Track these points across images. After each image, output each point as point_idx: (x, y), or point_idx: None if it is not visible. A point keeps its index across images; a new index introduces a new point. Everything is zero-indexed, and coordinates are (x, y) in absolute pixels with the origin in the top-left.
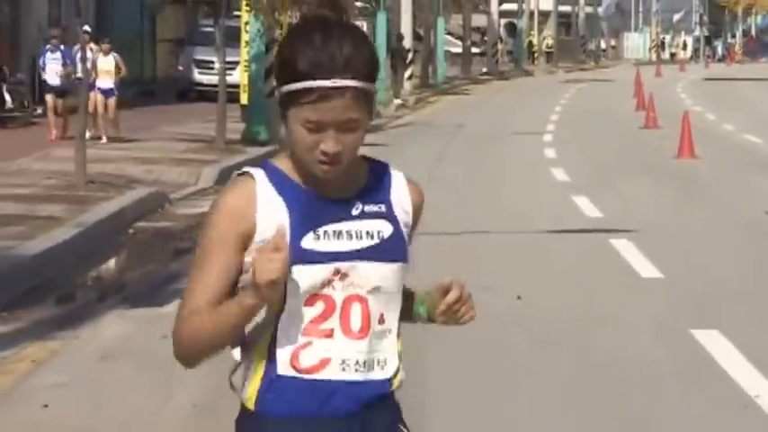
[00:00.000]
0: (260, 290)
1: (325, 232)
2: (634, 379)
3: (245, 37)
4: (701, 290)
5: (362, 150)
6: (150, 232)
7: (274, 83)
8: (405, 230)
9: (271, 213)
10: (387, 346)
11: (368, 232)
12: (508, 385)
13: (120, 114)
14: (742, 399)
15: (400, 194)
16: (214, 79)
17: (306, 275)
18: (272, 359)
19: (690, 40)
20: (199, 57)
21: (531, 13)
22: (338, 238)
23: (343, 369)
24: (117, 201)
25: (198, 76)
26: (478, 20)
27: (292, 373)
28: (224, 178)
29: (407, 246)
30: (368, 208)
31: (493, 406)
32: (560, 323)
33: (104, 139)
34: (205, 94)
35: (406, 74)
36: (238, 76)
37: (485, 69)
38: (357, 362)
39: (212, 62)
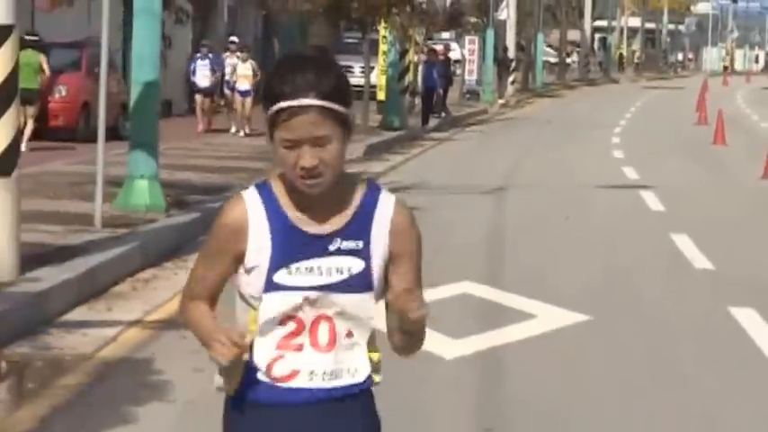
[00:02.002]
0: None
1: (298, 269)
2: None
3: (382, 47)
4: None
5: (476, 134)
6: None
7: (405, 83)
8: (379, 263)
9: (258, 244)
10: (356, 357)
11: (338, 269)
12: None
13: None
14: None
15: (381, 229)
16: (352, 81)
17: (277, 302)
18: (251, 367)
19: (762, 55)
20: (342, 63)
21: (621, 29)
22: (309, 272)
23: (311, 379)
24: None
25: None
26: (573, 35)
27: (267, 380)
28: (370, 151)
29: (378, 275)
30: (345, 245)
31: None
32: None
33: (242, 134)
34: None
35: (510, 79)
36: (361, 78)
37: (576, 77)
38: (325, 372)
39: (352, 67)
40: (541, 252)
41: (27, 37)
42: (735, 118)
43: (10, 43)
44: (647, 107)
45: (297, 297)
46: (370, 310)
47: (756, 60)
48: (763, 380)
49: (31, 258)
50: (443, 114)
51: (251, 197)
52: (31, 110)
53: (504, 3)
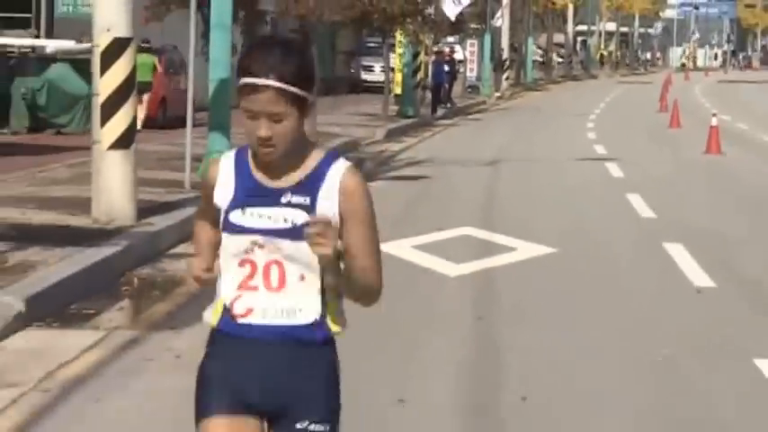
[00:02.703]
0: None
1: (251, 213)
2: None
3: (398, 50)
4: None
5: (476, 121)
6: (355, 159)
7: (418, 78)
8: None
9: (223, 189)
10: (308, 299)
11: (285, 218)
12: None
13: None
14: None
15: (329, 191)
16: (372, 78)
17: (232, 243)
18: (226, 305)
19: (719, 53)
20: (364, 63)
21: (599, 33)
22: (260, 217)
23: (264, 316)
24: (340, 141)
25: (363, 75)
26: (558, 37)
27: (229, 316)
28: (389, 134)
29: None
30: (294, 199)
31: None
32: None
33: None
34: (368, 88)
35: (504, 75)
36: (381, 74)
37: (561, 74)
38: (276, 310)
39: (373, 66)
40: (524, 206)
41: (142, 44)
42: (691, 106)
43: (129, 51)
44: (618, 98)
45: (247, 240)
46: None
47: (715, 58)
48: (683, 295)
49: (144, 210)
50: (449, 105)
51: (227, 157)
52: (144, 97)
53: (500, 12)
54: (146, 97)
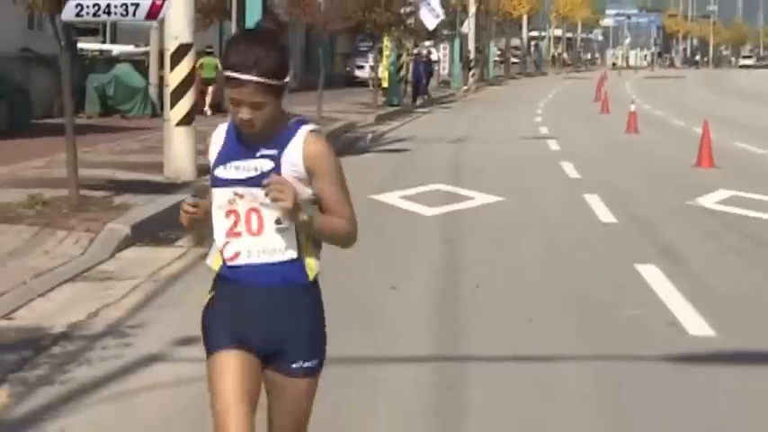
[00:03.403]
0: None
1: (231, 166)
2: None
3: (385, 52)
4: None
5: (447, 109)
6: (353, 137)
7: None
8: (286, 169)
9: (214, 150)
10: (286, 240)
11: (255, 167)
12: None
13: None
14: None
15: (294, 146)
16: (364, 74)
17: (218, 195)
18: (220, 252)
19: (648, 54)
20: (358, 63)
21: (549, 37)
22: (236, 169)
23: (249, 256)
24: (340, 124)
25: (357, 72)
26: (515, 41)
27: (224, 261)
28: (379, 119)
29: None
30: (264, 152)
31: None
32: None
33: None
34: (361, 83)
35: (471, 73)
36: (372, 73)
37: (517, 71)
38: (258, 250)
39: (364, 65)
40: (481, 170)
41: (207, 50)
42: (620, 97)
43: (190, 53)
44: (562, 91)
45: (230, 191)
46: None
47: (644, 58)
48: (593, 228)
49: (202, 170)
50: (426, 96)
51: (221, 127)
52: (210, 89)
53: (467, 21)
54: (211, 89)
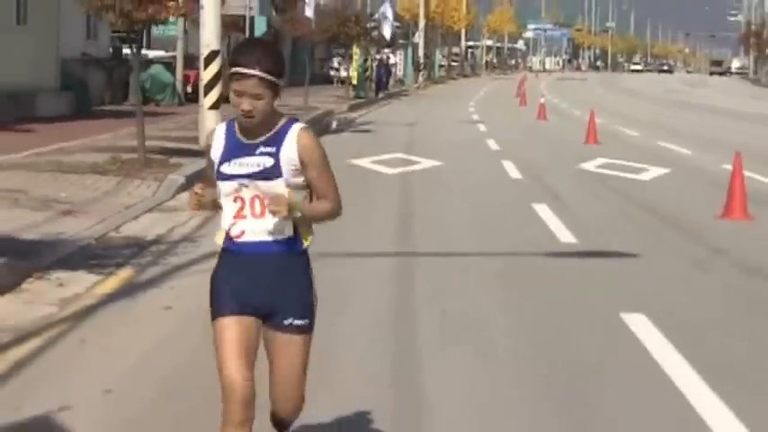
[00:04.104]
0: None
1: (235, 163)
2: None
3: (355, 57)
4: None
5: (402, 101)
6: (327, 121)
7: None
8: (286, 163)
9: (216, 150)
10: (282, 222)
11: (258, 164)
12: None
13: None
14: None
15: (289, 143)
16: (338, 74)
17: (225, 186)
18: (226, 231)
19: (560, 60)
20: (333, 65)
21: (482, 47)
22: (241, 165)
23: (253, 234)
24: (321, 111)
25: (333, 73)
26: (455, 49)
27: (229, 238)
28: (350, 108)
29: (284, 171)
30: (264, 149)
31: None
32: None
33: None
34: (336, 81)
35: (420, 74)
36: (344, 72)
37: (457, 73)
38: (261, 230)
39: (338, 67)
40: (427, 144)
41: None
42: (536, 94)
43: (218, 58)
44: (492, 89)
45: (235, 183)
46: (284, 190)
47: (558, 63)
48: (504, 182)
49: None
50: (386, 91)
51: (221, 126)
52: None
53: (417, 33)
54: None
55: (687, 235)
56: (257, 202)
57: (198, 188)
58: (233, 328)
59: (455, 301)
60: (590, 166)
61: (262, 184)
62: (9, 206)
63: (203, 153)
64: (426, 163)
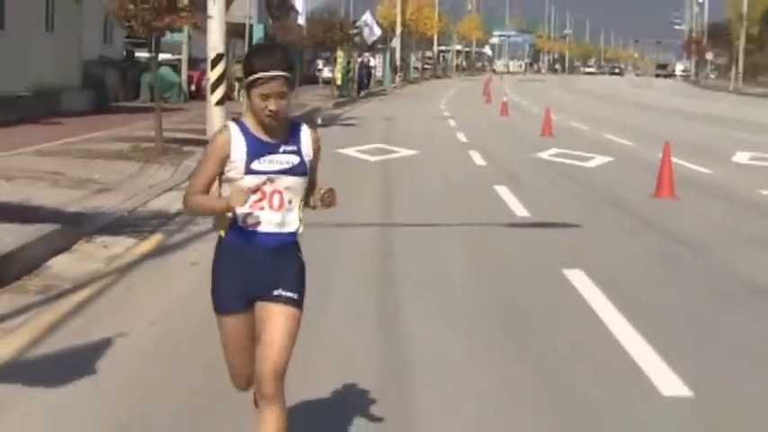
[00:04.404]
0: (229, 208)
1: (265, 160)
2: None
3: (339, 60)
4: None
5: (381, 100)
6: (312, 118)
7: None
8: (307, 160)
9: (238, 149)
10: (292, 216)
11: (287, 161)
12: None
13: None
14: None
15: (305, 141)
16: (324, 75)
17: (254, 179)
18: (234, 219)
19: (522, 64)
20: (319, 67)
21: (453, 51)
22: (270, 162)
23: (269, 225)
24: (310, 108)
25: (317, 74)
26: (428, 53)
27: (242, 227)
28: (335, 105)
29: (308, 168)
30: (287, 148)
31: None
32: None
33: None
34: (321, 81)
35: (397, 75)
36: (329, 74)
37: (430, 74)
38: (276, 222)
39: (322, 69)
40: (404, 135)
41: (239, 59)
42: (500, 93)
43: (223, 60)
44: (461, 89)
45: (263, 177)
46: (303, 188)
47: (520, 66)
48: (467, 166)
49: None
50: (367, 90)
51: (233, 126)
52: (236, 84)
53: (395, 39)
54: (237, 85)
55: (623, 210)
56: (276, 197)
57: (246, 190)
58: (235, 328)
59: (426, 260)
60: (544, 155)
61: (287, 179)
62: (51, 186)
63: (213, 141)
64: (403, 152)
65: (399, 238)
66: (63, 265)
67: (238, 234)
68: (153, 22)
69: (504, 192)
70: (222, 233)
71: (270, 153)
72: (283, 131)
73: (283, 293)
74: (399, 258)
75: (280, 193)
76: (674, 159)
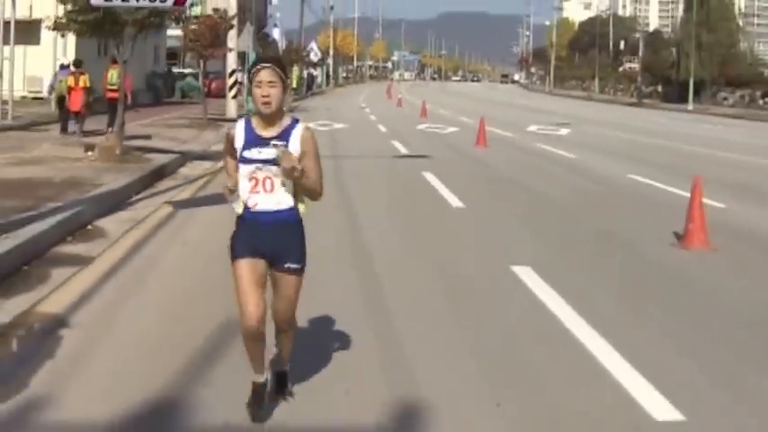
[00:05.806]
0: (225, 194)
1: (255, 151)
2: None
3: (295, 72)
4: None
5: (322, 97)
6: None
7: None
8: (295, 153)
9: (239, 139)
10: (286, 197)
11: (272, 153)
12: None
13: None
14: None
15: (295, 138)
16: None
17: (243, 169)
18: (244, 202)
19: (413, 74)
20: (309, 72)
21: (367, 65)
22: (259, 152)
23: (265, 205)
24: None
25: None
26: (350, 67)
27: (246, 208)
28: (296, 100)
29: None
30: (277, 142)
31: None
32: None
33: None
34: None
35: (331, 81)
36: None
37: (352, 81)
38: (269, 202)
39: (316, 75)
40: (338, 116)
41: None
42: (396, 93)
43: (237, 73)
44: (372, 90)
45: (253, 166)
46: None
47: (412, 76)
48: (388, 153)
49: (240, 116)
50: (312, 92)
51: (241, 122)
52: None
53: (329, 58)
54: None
55: (458, 154)
56: (268, 182)
57: (231, 186)
58: (246, 266)
59: (360, 178)
60: (422, 127)
61: (274, 168)
62: (161, 140)
63: (227, 132)
64: (338, 125)
65: (344, 164)
66: (186, 171)
67: (247, 212)
68: (203, 52)
69: (397, 144)
70: (240, 210)
71: (260, 146)
72: (278, 128)
73: (292, 266)
74: (346, 176)
75: (270, 179)
76: (489, 128)
